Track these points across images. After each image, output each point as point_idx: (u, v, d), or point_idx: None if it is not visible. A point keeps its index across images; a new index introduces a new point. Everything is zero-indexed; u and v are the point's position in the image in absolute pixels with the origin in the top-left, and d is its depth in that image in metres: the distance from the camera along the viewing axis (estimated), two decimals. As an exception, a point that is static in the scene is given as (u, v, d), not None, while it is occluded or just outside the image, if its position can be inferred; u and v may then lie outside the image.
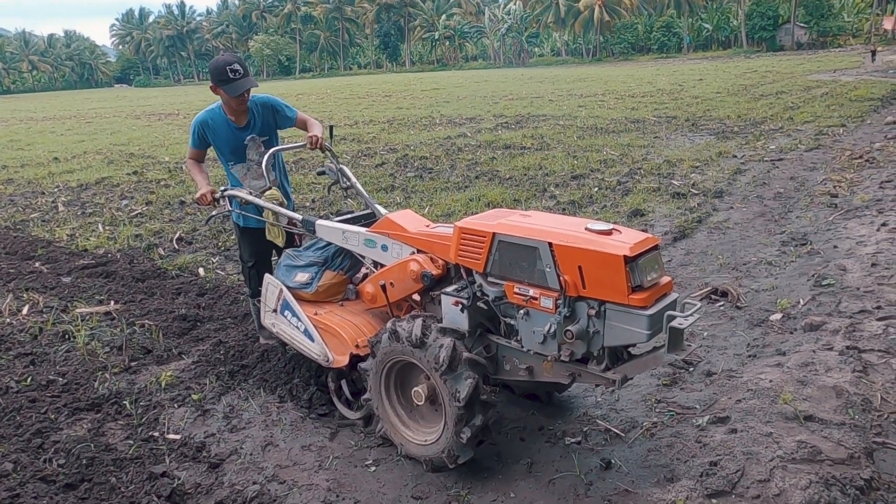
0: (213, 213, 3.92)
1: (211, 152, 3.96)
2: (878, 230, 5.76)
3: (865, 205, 6.74)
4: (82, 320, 4.68)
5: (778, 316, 4.28)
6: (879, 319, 3.91)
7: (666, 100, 19.83)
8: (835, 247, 5.52)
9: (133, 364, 4.04)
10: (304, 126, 3.91)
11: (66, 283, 5.64)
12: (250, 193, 3.64)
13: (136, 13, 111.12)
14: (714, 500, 2.46)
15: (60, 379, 3.82)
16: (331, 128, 4.01)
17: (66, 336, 4.46)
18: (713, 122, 14.30)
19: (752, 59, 50.12)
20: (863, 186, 7.67)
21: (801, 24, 62.97)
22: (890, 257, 4.96)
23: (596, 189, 8.19)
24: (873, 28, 60.55)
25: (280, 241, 3.68)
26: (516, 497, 2.73)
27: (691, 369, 3.71)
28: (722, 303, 4.63)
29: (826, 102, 16.60)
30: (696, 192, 7.88)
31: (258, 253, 4.04)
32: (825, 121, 13.37)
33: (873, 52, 35.25)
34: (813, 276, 4.88)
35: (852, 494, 2.40)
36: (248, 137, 3.80)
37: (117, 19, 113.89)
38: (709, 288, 4.84)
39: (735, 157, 10.15)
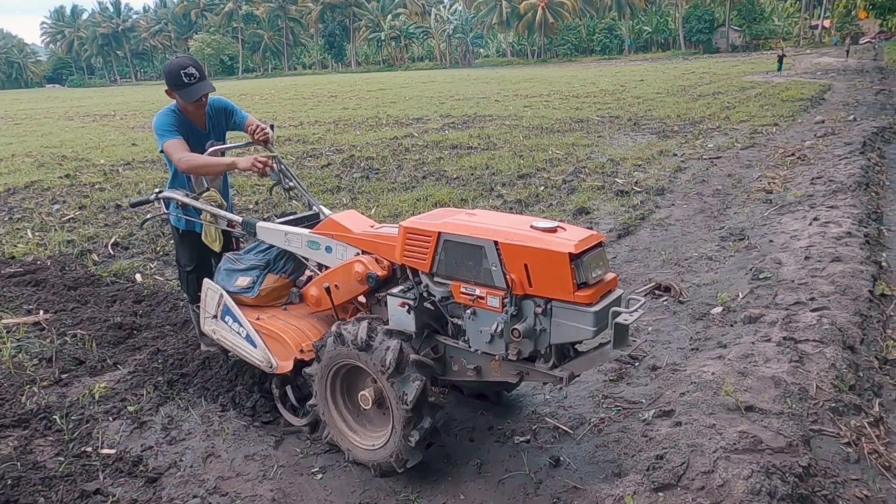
0: (149, 216, 3.77)
1: (154, 153, 3.76)
2: (810, 224, 5.99)
3: (798, 200, 7.01)
4: (8, 332, 4.42)
5: (718, 309, 4.39)
6: (813, 311, 4.05)
7: (609, 100, 20.25)
8: (770, 241, 5.71)
9: (64, 376, 3.83)
10: (251, 134, 3.73)
11: (-9, 292, 5.33)
12: (187, 195, 3.51)
13: (68, 10, 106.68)
14: (661, 494, 2.48)
15: (-16, 394, 3.59)
16: (271, 127, 3.90)
17: (-9, 349, 4.21)
18: (654, 121, 14.66)
19: (690, 60, 51.75)
20: (795, 183, 7.98)
21: (736, 28, 65.44)
22: (822, 250, 5.15)
23: (542, 188, 8.27)
24: (801, 32, 63.35)
25: (216, 247, 3.55)
26: (466, 498, 2.71)
27: (636, 364, 3.77)
28: (665, 297, 4.72)
29: (760, 102, 17.24)
30: (639, 189, 8.05)
31: (197, 258, 3.88)
32: (759, 120, 13.88)
33: (780, 58, 30.63)
34: (751, 269, 5.03)
35: (791, 482, 2.46)
36: (209, 143, 3.60)
37: (46, 17, 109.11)
38: (652, 283, 4.93)
39: (675, 155, 10.42)
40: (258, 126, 3.59)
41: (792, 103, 16.62)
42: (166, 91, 3.49)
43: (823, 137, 11.26)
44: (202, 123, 3.65)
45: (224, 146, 3.68)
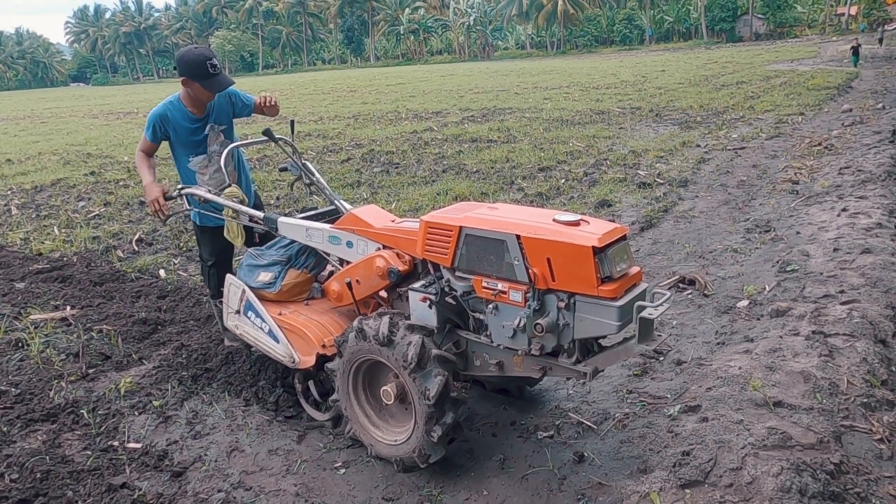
0: (172, 213, 3.79)
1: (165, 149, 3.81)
2: (838, 215, 5.86)
3: (826, 191, 6.86)
4: (36, 327, 4.50)
5: (745, 303, 4.31)
6: (843, 303, 3.96)
7: (630, 91, 20.02)
8: (797, 233, 5.60)
9: (91, 371, 3.89)
10: (261, 111, 3.81)
11: (20, 288, 5.42)
12: (209, 191, 3.52)
13: (91, 9, 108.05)
14: (687, 491, 2.44)
15: (13, 389, 3.65)
16: (292, 122, 3.92)
17: (20, 344, 4.28)
18: (676, 112, 14.46)
19: (713, 50, 50.93)
20: (823, 173, 7.82)
21: (759, 16, 64.28)
22: (851, 242, 5.04)
23: (563, 181, 8.20)
24: (827, 19, 61.94)
25: (238, 242, 3.56)
26: (489, 494, 2.69)
27: (661, 358, 3.72)
28: (690, 291, 4.65)
29: (785, 91, 16.92)
30: (662, 181, 7.94)
31: (218, 252, 3.92)
32: (785, 109, 13.63)
33: (855, 49, 24.65)
34: (777, 262, 4.94)
35: (822, 479, 2.40)
36: (208, 126, 3.69)
37: (70, 17, 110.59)
38: (676, 276, 4.86)
39: (699, 146, 10.26)
40: (264, 97, 3.68)
41: (818, 92, 16.29)
42: (182, 80, 3.50)
43: (851, 126, 11.02)
44: (202, 111, 3.65)
45: (239, 143, 3.72)
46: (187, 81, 3.48)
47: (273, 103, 3.73)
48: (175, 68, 3.56)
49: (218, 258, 3.92)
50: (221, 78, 3.51)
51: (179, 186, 3.62)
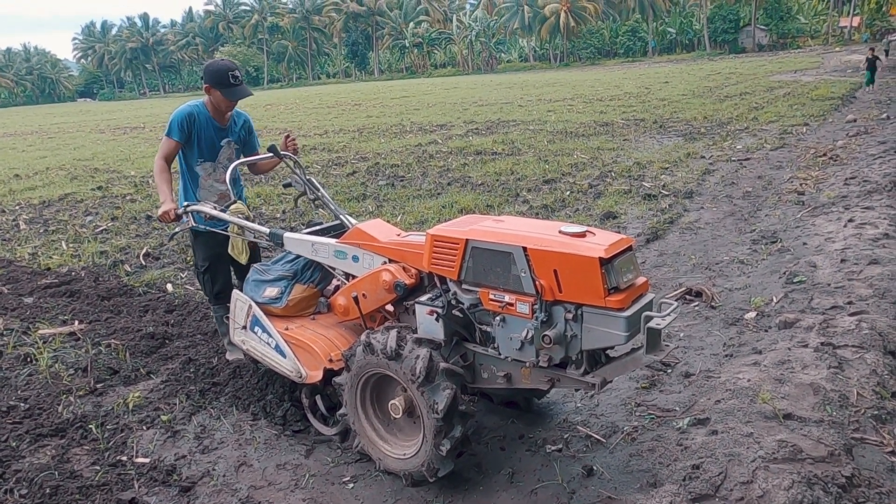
0: (177, 228, 3.82)
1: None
2: (845, 226, 5.85)
3: (832, 201, 6.85)
4: (44, 342, 4.51)
5: (752, 314, 4.30)
6: (851, 315, 3.95)
7: (633, 103, 20.07)
8: (804, 244, 5.58)
9: (99, 386, 3.89)
10: (256, 155, 4.06)
11: (28, 303, 5.45)
12: (215, 208, 3.55)
13: (98, 25, 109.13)
14: (698, 504, 2.43)
15: (22, 404, 3.66)
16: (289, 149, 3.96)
17: (28, 359, 4.29)
18: (680, 123, 14.49)
19: (716, 61, 51.06)
20: (828, 183, 7.81)
21: (762, 27, 64.48)
22: (858, 252, 5.03)
23: (568, 192, 8.21)
24: (830, 30, 62.03)
25: (243, 259, 3.59)
26: (498, 509, 2.68)
27: (669, 371, 3.70)
28: (696, 303, 4.64)
29: (789, 102, 16.95)
30: (667, 193, 7.95)
31: (211, 256, 3.93)
32: (789, 120, 13.64)
33: (872, 63, 20.19)
34: (784, 273, 4.92)
35: (834, 493, 2.38)
36: (226, 140, 3.87)
37: (77, 33, 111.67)
38: (683, 288, 4.85)
39: (703, 157, 10.27)
40: (286, 142, 3.85)
41: (822, 102, 16.31)
42: (205, 88, 3.70)
43: (856, 137, 11.02)
44: (224, 122, 3.86)
45: (245, 160, 3.89)
46: (210, 89, 3.68)
47: (294, 146, 3.88)
48: (202, 77, 3.75)
49: (212, 262, 3.95)
50: (240, 88, 3.69)
51: (185, 204, 3.64)
